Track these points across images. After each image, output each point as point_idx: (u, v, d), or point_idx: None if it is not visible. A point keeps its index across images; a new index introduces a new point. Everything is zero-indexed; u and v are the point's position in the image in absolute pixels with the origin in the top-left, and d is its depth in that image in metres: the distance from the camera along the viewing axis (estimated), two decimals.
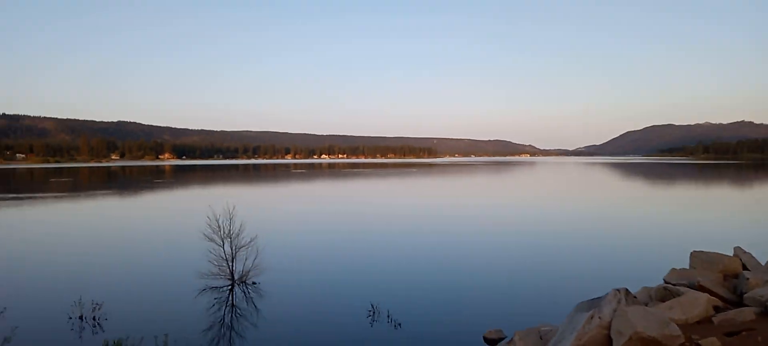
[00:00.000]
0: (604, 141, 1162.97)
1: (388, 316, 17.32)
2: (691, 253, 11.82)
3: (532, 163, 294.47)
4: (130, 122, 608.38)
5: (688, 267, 11.41)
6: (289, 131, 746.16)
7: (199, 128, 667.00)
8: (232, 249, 22.07)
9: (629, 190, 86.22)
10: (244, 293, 21.03)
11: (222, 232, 22.08)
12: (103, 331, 16.29)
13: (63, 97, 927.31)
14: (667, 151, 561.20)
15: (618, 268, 24.36)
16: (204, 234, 22.31)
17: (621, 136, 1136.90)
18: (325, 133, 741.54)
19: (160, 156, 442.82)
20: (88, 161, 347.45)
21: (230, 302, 20.16)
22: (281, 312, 18.68)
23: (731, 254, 11.53)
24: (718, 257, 11.33)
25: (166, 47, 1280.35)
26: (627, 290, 10.32)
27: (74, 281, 23.13)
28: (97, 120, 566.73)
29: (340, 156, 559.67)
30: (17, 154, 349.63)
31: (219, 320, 18.04)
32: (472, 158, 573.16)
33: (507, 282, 22.12)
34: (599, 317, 8.03)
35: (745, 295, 9.11)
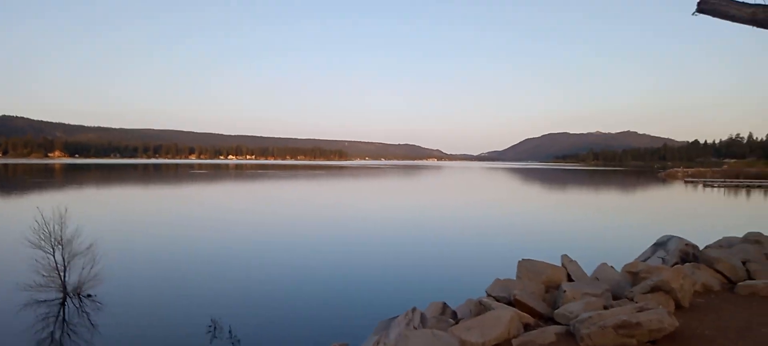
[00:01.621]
0: (506, 147, 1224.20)
1: (230, 332, 15.79)
2: (519, 261, 11.26)
3: (435, 168, 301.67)
4: (17, 117, 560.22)
5: (515, 277, 10.81)
6: (194, 130, 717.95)
7: (96, 125, 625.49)
8: (64, 257, 19.50)
9: (507, 193, 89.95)
10: (78, 306, 18.62)
11: (53, 238, 19.44)
12: None
13: None
14: (561, 157, 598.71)
15: (461, 274, 23.59)
16: (29, 241, 19.50)
17: (521, 142, 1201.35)
18: (232, 134, 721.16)
19: (49, 154, 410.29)
20: None
21: (61, 316, 17.73)
22: (120, 327, 16.66)
23: (559, 261, 11.20)
24: (543, 266, 10.83)
25: (61, 38, 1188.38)
26: (444, 304, 9.54)
27: None
28: None
29: (248, 157, 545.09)
30: None
31: (46, 337, 15.72)
32: (382, 162, 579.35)
33: (353, 292, 21.05)
34: (384, 343, 7.14)
35: (556, 310, 8.49)
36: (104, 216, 47.43)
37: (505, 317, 7.51)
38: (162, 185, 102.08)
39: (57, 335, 16.08)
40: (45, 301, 18.76)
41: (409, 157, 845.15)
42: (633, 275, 10.35)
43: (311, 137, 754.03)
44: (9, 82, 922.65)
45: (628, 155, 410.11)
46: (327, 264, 25.91)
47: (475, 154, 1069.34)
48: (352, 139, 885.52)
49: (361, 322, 17.07)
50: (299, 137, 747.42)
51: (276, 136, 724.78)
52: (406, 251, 29.59)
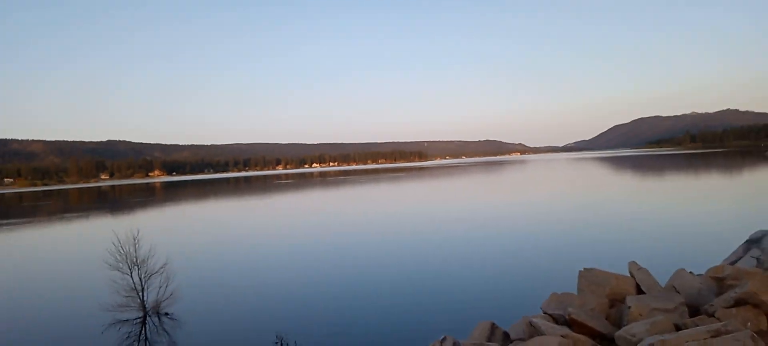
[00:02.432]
0: (593, 136, 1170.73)
1: None
2: (580, 272, 10.01)
3: (520, 162, 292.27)
4: (120, 141, 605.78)
5: (576, 289, 9.64)
6: (280, 142, 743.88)
7: (190, 143, 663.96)
8: (141, 278, 20.27)
9: (583, 185, 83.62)
10: (158, 325, 19.28)
11: (129, 259, 20.27)
12: None
13: (51, 119, 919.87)
14: (655, 142, 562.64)
15: (519, 286, 21.65)
16: (108, 263, 20.45)
17: (609, 130, 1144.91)
18: (315, 143, 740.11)
19: (149, 173, 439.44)
20: (77, 182, 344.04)
21: (143, 335, 18.42)
22: (201, 343, 17.14)
23: (626, 269, 9.82)
24: (607, 276, 9.50)
25: (153, 63, 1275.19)
26: (493, 325, 8.66)
27: None
28: (86, 140, 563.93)
29: (330, 164, 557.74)
30: (5, 179, 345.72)
31: None
32: (462, 159, 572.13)
33: (408, 306, 20.22)
34: None
35: (617, 333, 7.30)
36: (181, 234, 49.89)
37: (551, 344, 6.55)
38: (244, 198, 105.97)
39: None
40: (127, 320, 19.58)
41: (490, 153, 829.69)
42: (717, 281, 8.87)
43: (391, 140, 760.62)
44: (110, 110, 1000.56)
45: (731, 135, 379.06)
46: (385, 278, 25.19)
47: (560, 145, 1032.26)
48: (432, 139, 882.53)
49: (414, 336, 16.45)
50: (379, 141, 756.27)
51: (357, 142, 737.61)
52: (464, 260, 27.84)
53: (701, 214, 40.00)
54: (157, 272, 20.80)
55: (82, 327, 19.40)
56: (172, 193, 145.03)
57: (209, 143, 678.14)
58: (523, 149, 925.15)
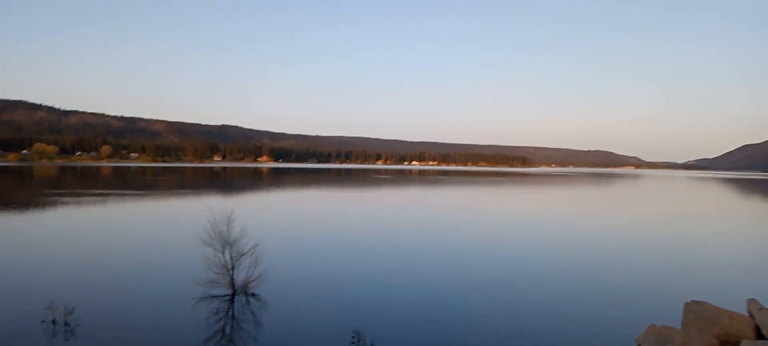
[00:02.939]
0: (718, 154, 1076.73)
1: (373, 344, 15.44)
2: (686, 304, 8.69)
3: (632, 177, 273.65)
4: (233, 126, 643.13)
5: (680, 324, 8.37)
6: (381, 137, 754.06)
7: (296, 133, 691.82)
8: (231, 257, 20.96)
9: (698, 208, 76.37)
10: (245, 304, 19.84)
11: (222, 238, 21.03)
12: (80, 336, 15.62)
13: (174, 101, 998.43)
14: None
15: (610, 312, 19.41)
16: (202, 240, 21.35)
17: (738, 149, 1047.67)
18: (415, 140, 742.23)
19: (258, 159, 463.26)
20: (192, 161, 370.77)
21: (230, 313, 19.05)
22: (279, 327, 17.33)
23: (744, 307, 8.38)
24: (719, 313, 8.14)
25: (269, 54, 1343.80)
26: None
27: (67, 286, 23.07)
28: (203, 123, 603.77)
29: (430, 163, 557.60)
30: (131, 154, 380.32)
31: (219, 331, 17.05)
32: (570, 169, 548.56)
33: (522, 317, 19.23)
34: None
35: None
36: (277, 218, 51.56)
37: None
38: (341, 189, 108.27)
39: (227, 330, 17.24)
40: (216, 296, 20.35)
41: (600, 164, 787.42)
42: None
43: (492, 143, 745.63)
44: (225, 95, 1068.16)
45: None
46: (470, 285, 24.38)
47: (679, 162, 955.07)
48: (537, 146, 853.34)
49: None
50: (480, 143, 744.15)
51: (457, 143, 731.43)
52: (550, 276, 26.02)
53: None
54: (247, 253, 21.38)
55: (174, 299, 20.34)
56: (276, 178, 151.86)
57: (314, 134, 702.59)
58: (638, 163, 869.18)
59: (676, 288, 22.31)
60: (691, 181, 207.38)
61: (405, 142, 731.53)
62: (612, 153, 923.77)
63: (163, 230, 41.89)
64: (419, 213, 57.74)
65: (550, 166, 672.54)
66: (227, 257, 20.97)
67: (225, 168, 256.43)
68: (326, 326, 17.43)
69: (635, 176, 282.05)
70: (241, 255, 21.26)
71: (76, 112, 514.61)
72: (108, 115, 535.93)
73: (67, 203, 59.01)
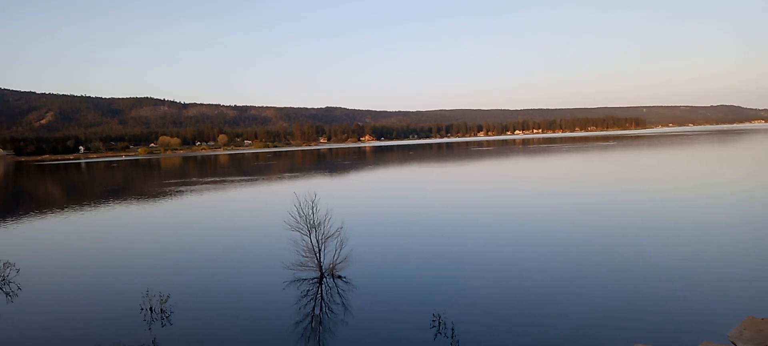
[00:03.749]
0: None
1: (452, 330, 14.94)
2: None
3: (762, 132, 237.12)
4: (337, 108, 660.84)
5: None
6: (482, 108, 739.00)
7: (396, 110, 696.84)
8: (318, 240, 21.23)
9: None
10: (332, 286, 20.08)
11: (308, 222, 21.33)
12: (175, 322, 16.55)
13: (282, 87, 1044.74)
14: None
15: (699, 303, 16.40)
16: (289, 224, 21.78)
17: None
18: (519, 109, 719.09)
19: (361, 138, 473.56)
20: (300, 145, 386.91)
21: (319, 294, 19.39)
22: (367, 310, 17.33)
23: None
24: None
25: (365, 37, 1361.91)
26: None
27: (163, 274, 24.50)
28: (309, 107, 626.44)
29: (534, 131, 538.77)
30: (245, 141, 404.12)
31: (309, 313, 17.45)
32: (689, 127, 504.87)
33: (567, 306, 17.68)
34: None
35: None
36: (363, 198, 52.27)
37: None
38: (437, 165, 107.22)
39: (316, 312, 17.53)
40: (305, 279, 20.75)
41: (726, 120, 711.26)
42: None
43: (603, 106, 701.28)
44: (329, 80, 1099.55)
45: None
46: (555, 270, 22.84)
47: None
48: (652, 104, 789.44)
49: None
50: (589, 106, 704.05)
51: (564, 108, 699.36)
52: (641, 255, 23.64)
53: None
54: (332, 236, 21.55)
55: (265, 282, 21.00)
56: (377, 157, 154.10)
57: (414, 110, 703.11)
58: None
59: None
60: None
61: (507, 110, 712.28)
62: (739, 107, 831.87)
63: (258, 214, 43.76)
64: (508, 189, 55.04)
65: (668, 126, 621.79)
66: (313, 240, 21.26)
67: (330, 149, 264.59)
68: (408, 309, 17.09)
69: (766, 132, 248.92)
70: (327, 238, 21.47)
71: (194, 104, 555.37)
72: (223, 106, 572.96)
73: (177, 193, 63.58)
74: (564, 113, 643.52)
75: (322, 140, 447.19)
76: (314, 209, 21.60)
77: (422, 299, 17.91)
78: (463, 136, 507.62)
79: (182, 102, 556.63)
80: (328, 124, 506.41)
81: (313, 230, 21.26)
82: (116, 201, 56.84)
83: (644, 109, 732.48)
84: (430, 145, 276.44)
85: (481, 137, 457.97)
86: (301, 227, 21.37)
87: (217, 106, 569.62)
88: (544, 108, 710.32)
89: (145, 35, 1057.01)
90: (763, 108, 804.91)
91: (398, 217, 37.57)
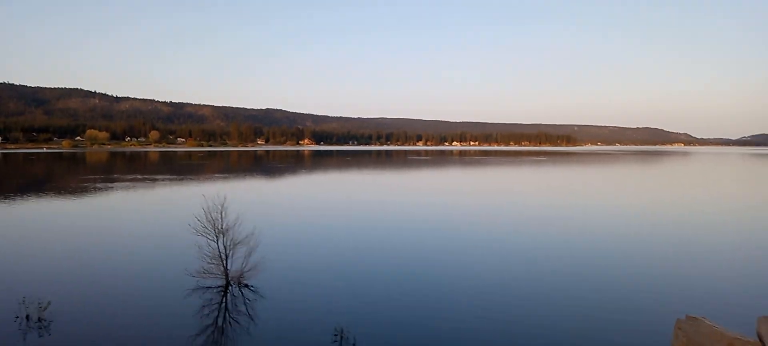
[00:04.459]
0: None
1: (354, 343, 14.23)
2: (678, 322, 6.94)
3: (680, 154, 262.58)
4: (277, 110, 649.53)
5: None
6: (422, 118, 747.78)
7: (338, 115, 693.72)
8: (225, 246, 20.04)
9: (755, 193, 71.36)
10: (238, 295, 18.96)
11: (216, 226, 20.11)
12: (54, 332, 14.96)
13: (221, 86, 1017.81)
14: None
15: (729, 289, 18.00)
16: (195, 229, 20.45)
17: None
18: (457, 120, 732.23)
19: (300, 142, 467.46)
20: (236, 145, 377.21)
21: (224, 304, 18.21)
22: (272, 322, 16.40)
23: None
24: (717, 334, 6.32)
25: (310, 38, 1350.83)
26: None
27: (46, 279, 22.61)
28: (248, 107, 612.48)
29: (471, 143, 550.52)
30: (178, 139, 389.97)
31: (211, 323, 16.30)
32: (616, 147, 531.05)
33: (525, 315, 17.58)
34: None
35: None
36: (282, 202, 50.58)
37: None
38: (372, 171, 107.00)
39: (219, 322, 16.40)
40: (210, 288, 19.49)
41: (649, 142, 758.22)
42: None
43: (536, 122, 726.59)
44: (270, 81, 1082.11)
45: None
46: (468, 280, 22.81)
47: (734, 138, 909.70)
48: (582, 123, 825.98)
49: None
50: (524, 123, 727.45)
51: (499, 122, 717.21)
52: (527, 270, 24.60)
53: None
54: (242, 242, 20.45)
55: (166, 290, 19.62)
56: (314, 161, 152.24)
57: (355, 116, 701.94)
58: (689, 140, 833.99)
59: (675, 299, 19.81)
60: (744, 158, 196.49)
61: (447, 122, 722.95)
62: (661, 130, 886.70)
63: (169, 216, 40.47)
64: (435, 198, 55.28)
65: (596, 144, 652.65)
66: (221, 246, 20.08)
67: (267, 151, 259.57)
68: (313, 322, 16.34)
69: (684, 154, 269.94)
70: (236, 244, 20.35)
71: (127, 98, 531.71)
72: (157, 101, 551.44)
73: (93, 190, 59.96)
74: (500, 128, 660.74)
75: (259, 142, 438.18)
76: (223, 212, 20.41)
77: (328, 312, 17.16)
78: (402, 144, 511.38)
79: (115, 95, 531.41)
80: (267, 126, 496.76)
81: (221, 235, 20.08)
82: (23, 196, 52.74)
83: (576, 128, 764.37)
84: (369, 151, 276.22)
85: (420, 147, 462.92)
86: (209, 231, 20.14)
87: (152, 101, 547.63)
88: (482, 122, 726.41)
89: (78, 21, 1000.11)
90: (683, 132, 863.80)
91: (318, 224, 36.16)
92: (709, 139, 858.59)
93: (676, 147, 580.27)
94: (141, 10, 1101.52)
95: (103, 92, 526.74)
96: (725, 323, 7.30)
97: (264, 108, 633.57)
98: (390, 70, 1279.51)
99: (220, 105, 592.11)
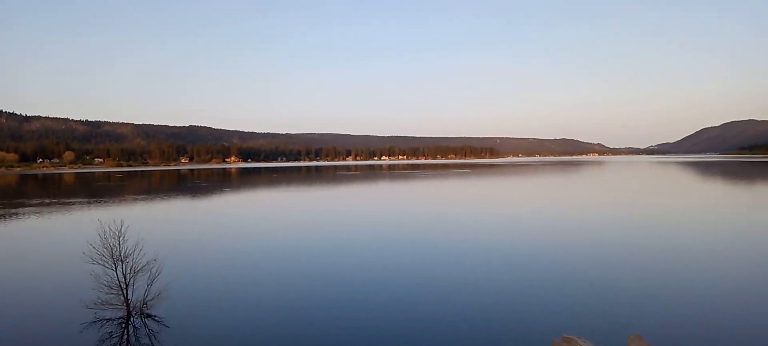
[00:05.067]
0: (679, 139, 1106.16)
1: None
2: (554, 343, 6.93)
3: (594, 163, 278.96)
4: (202, 126, 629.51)
5: None
6: (351, 133, 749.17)
7: (266, 131, 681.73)
8: (125, 274, 18.79)
9: (693, 194, 76.76)
10: (141, 326, 17.75)
11: (113, 253, 18.84)
12: None
13: (141, 104, 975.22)
14: (747, 148, 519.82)
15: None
16: (91, 257, 19.07)
17: (696, 133, 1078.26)
18: (385, 135, 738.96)
19: (226, 159, 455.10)
20: (158, 165, 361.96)
21: (124, 337, 16.95)
22: None
23: None
24: None
25: (237, 51, 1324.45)
26: None
27: None
28: (171, 125, 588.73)
29: (400, 157, 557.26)
30: (96, 159, 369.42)
31: None
32: (536, 158, 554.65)
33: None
34: None
35: None
36: (192, 224, 47.94)
37: None
38: (297, 188, 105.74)
39: None
40: (109, 319, 18.16)
41: (566, 153, 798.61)
42: None
43: (462, 135, 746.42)
44: (194, 96, 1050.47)
45: None
46: (390, 291, 22.78)
47: (642, 147, 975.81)
48: (504, 136, 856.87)
49: None
50: (450, 136, 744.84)
51: (427, 136, 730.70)
52: (485, 280, 25.09)
53: None
54: (144, 269, 19.27)
55: (60, 324, 18.15)
56: (240, 179, 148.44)
57: (284, 132, 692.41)
58: (602, 150, 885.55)
59: (557, 312, 20.74)
60: (651, 165, 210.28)
61: (376, 136, 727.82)
62: (577, 141, 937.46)
63: (67, 244, 35.90)
64: (368, 214, 55.32)
65: (518, 155, 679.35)
66: (120, 274, 18.81)
67: (192, 170, 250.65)
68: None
69: (598, 163, 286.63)
70: (137, 272, 19.14)
71: (38, 117, 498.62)
72: (72, 120, 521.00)
73: None
74: (427, 141, 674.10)
75: (183, 160, 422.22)
76: (121, 238, 19.17)
77: (241, 342, 16.37)
78: (332, 159, 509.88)
79: (24, 114, 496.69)
80: (191, 144, 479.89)
81: (120, 262, 18.82)
82: None
83: (498, 140, 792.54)
84: (298, 168, 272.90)
85: (350, 162, 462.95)
86: (106, 259, 18.83)
87: (66, 119, 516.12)
88: (409, 136, 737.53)
89: None
90: (596, 142, 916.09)
91: (234, 247, 33.87)
92: (620, 148, 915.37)
93: (591, 157, 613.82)
94: (51, 24, 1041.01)
95: (11, 111, 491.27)
96: (600, 341, 7.42)
97: (187, 125, 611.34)
98: (318, 86, 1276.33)
99: (141, 123, 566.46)
